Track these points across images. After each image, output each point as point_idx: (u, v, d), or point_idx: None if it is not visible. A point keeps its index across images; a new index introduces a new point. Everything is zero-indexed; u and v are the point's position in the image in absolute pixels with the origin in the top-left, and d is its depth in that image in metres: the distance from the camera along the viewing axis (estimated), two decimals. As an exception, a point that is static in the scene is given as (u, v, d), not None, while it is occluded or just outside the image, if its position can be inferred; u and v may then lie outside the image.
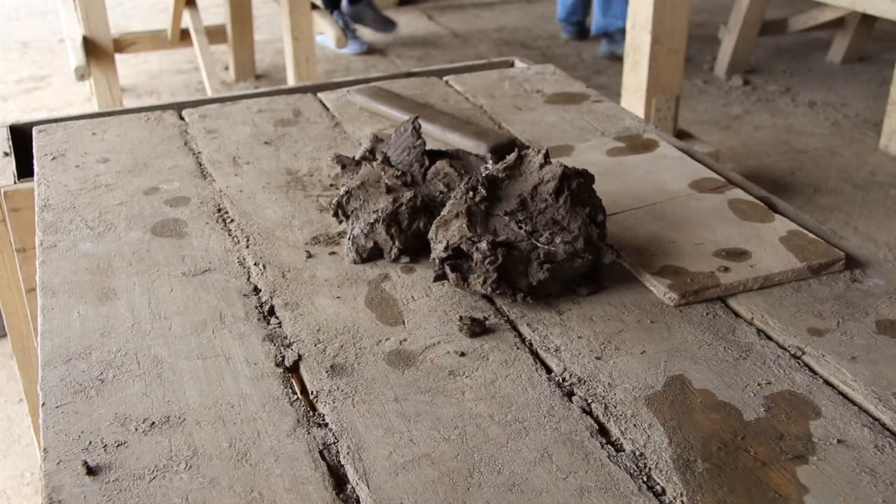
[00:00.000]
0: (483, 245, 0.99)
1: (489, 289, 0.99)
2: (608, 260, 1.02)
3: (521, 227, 1.00)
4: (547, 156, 1.05)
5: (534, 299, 1.01)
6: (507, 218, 1.01)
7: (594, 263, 1.03)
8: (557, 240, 1.00)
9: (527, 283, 1.00)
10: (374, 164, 1.16)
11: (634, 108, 2.83)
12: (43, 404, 0.87)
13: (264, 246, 1.15)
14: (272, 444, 0.81)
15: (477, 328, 0.97)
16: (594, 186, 1.07)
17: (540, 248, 0.99)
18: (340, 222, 1.18)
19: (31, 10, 5.28)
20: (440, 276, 1.02)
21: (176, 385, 0.89)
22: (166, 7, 3.94)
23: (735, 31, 3.94)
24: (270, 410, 0.86)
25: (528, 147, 1.34)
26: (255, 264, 1.11)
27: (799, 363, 0.92)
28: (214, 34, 3.87)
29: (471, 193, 1.03)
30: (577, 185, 1.03)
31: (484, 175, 1.05)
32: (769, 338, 0.96)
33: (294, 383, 0.91)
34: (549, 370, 0.92)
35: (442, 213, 1.05)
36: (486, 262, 0.99)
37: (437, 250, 1.01)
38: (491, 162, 1.20)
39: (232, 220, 1.22)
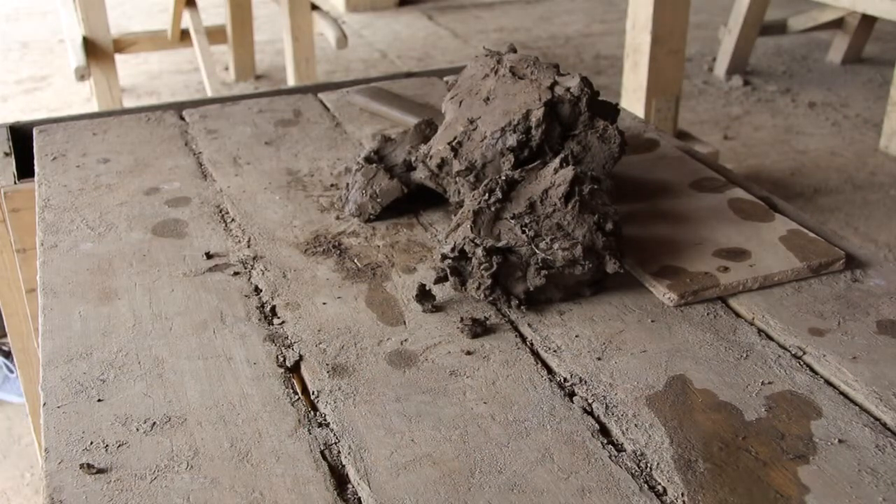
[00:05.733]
0: (479, 251, 0.99)
1: (482, 295, 0.99)
2: (611, 269, 1.01)
3: (524, 232, 1.00)
4: (565, 160, 1.05)
5: (530, 306, 1.01)
6: (513, 221, 1.01)
7: (598, 271, 1.02)
8: (556, 246, 0.99)
9: (524, 289, 1.00)
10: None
11: (634, 108, 2.83)
12: (44, 404, 0.87)
13: (265, 246, 1.15)
14: (273, 445, 0.81)
15: (478, 328, 0.97)
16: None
17: (538, 254, 0.99)
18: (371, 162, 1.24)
19: (31, 11, 5.28)
20: (441, 279, 1.02)
21: (177, 385, 0.89)
22: (166, 7, 3.94)
23: (735, 31, 3.94)
24: (272, 410, 0.86)
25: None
26: (255, 265, 1.11)
27: (800, 363, 0.92)
28: (214, 34, 3.87)
29: (487, 195, 1.02)
30: (589, 191, 1.02)
31: (503, 178, 1.04)
32: (770, 338, 0.96)
33: (295, 383, 0.91)
34: (550, 370, 0.92)
35: (460, 212, 1.05)
36: (482, 268, 0.99)
37: (445, 249, 1.01)
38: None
39: (233, 221, 1.22)
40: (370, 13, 5.15)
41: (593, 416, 0.85)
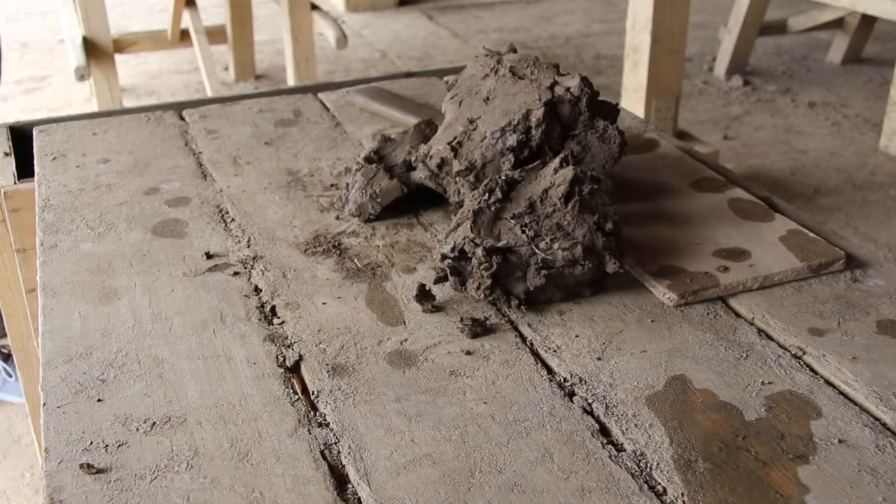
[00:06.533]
0: (479, 251, 0.99)
1: (482, 295, 0.99)
2: (611, 269, 1.01)
3: (524, 232, 1.00)
4: (565, 160, 1.05)
5: (530, 306, 1.01)
6: (512, 221, 1.01)
7: (598, 271, 1.02)
8: (556, 246, 0.99)
9: (524, 289, 1.00)
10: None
11: (634, 108, 2.83)
12: (44, 404, 0.87)
13: (265, 246, 1.15)
14: (273, 445, 0.81)
15: (478, 328, 0.97)
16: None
17: (538, 254, 0.99)
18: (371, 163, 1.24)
19: (31, 11, 5.28)
20: (441, 279, 1.02)
21: (177, 385, 0.89)
22: (166, 7, 3.94)
23: (735, 31, 3.94)
24: (271, 410, 0.86)
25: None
26: (255, 265, 1.11)
27: (800, 363, 0.92)
28: (214, 34, 3.87)
29: (487, 195, 1.02)
30: (588, 191, 1.02)
31: (503, 178, 1.04)
32: (770, 338, 0.96)
33: (295, 383, 0.91)
34: (550, 370, 0.92)
35: (460, 212, 1.05)
36: (482, 268, 0.99)
37: (445, 249, 1.01)
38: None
39: (233, 220, 1.22)
40: (370, 13, 5.15)
41: (593, 416, 0.85)
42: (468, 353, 0.94)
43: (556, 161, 1.05)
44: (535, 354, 0.94)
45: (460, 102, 1.19)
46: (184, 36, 3.73)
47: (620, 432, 0.83)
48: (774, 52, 4.38)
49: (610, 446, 0.81)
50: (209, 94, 3.43)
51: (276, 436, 0.82)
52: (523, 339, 0.97)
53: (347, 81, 1.75)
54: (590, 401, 0.87)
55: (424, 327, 0.98)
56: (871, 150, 3.35)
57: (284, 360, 0.93)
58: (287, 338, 0.97)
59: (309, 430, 0.83)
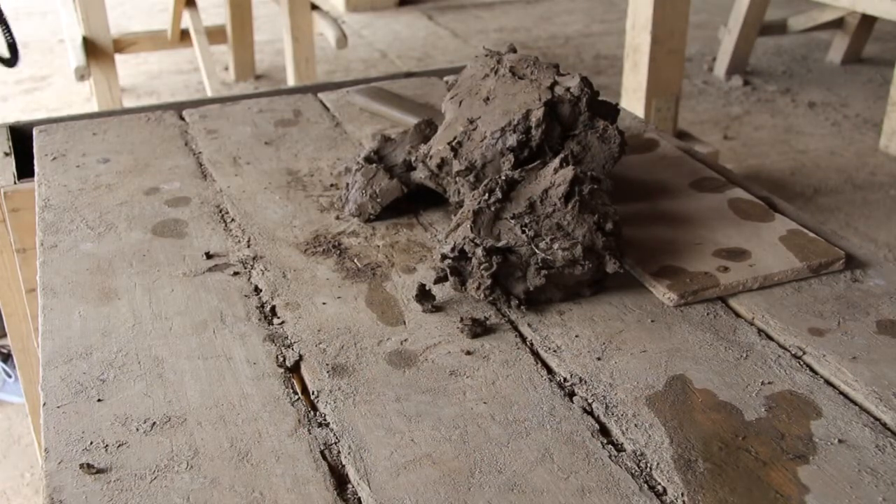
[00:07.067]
0: (479, 251, 0.99)
1: (482, 295, 0.99)
2: (611, 269, 1.01)
3: (524, 232, 1.00)
4: (565, 160, 1.05)
5: (530, 306, 1.01)
6: (512, 221, 1.01)
7: (599, 271, 1.02)
8: (556, 246, 0.99)
9: (524, 289, 1.00)
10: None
11: (634, 108, 2.83)
12: (44, 404, 0.87)
13: (265, 246, 1.15)
14: (273, 444, 0.81)
15: (478, 328, 0.97)
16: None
17: (538, 254, 0.99)
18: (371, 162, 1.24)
19: (31, 11, 5.28)
20: (441, 279, 1.02)
21: (177, 385, 0.89)
22: (166, 7, 3.94)
23: (735, 31, 3.94)
24: (271, 410, 0.86)
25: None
26: (255, 265, 1.11)
27: (800, 363, 0.92)
28: (214, 34, 3.87)
29: (487, 195, 1.02)
30: (588, 191, 1.02)
31: (503, 178, 1.04)
32: (770, 338, 0.96)
33: (295, 383, 0.91)
34: (550, 370, 0.92)
35: (460, 212, 1.05)
36: (482, 268, 0.99)
37: (445, 249, 1.01)
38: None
39: (233, 220, 1.22)
40: (370, 13, 5.15)
41: (593, 416, 0.85)
42: (468, 353, 0.94)
43: (556, 161, 1.05)
44: (535, 354, 0.94)
45: (460, 102, 1.19)
46: (184, 36, 3.73)
47: (620, 432, 0.83)
48: (774, 52, 4.38)
49: (610, 446, 0.81)
50: (209, 94, 3.43)
51: (276, 436, 0.82)
52: (523, 339, 0.97)
53: (347, 81, 1.75)
54: (590, 401, 0.87)
55: (424, 327, 0.98)
56: (871, 150, 3.35)
57: (284, 360, 0.93)
58: (287, 338, 0.97)
59: (309, 430, 0.83)
